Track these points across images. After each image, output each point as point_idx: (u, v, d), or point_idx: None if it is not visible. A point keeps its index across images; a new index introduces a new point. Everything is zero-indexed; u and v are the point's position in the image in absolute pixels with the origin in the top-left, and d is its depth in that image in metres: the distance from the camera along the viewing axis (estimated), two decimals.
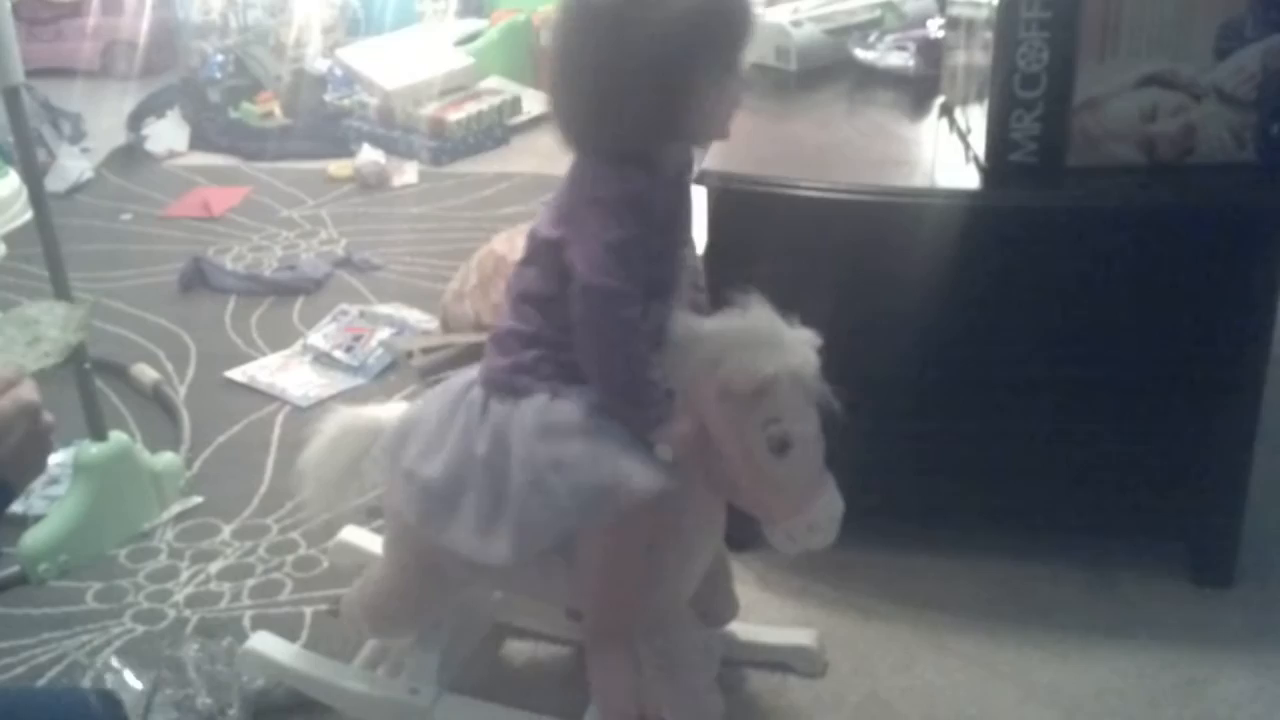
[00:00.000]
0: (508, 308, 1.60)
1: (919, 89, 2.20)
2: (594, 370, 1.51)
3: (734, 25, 1.49)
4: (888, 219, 1.86)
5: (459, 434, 1.56)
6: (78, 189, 3.72)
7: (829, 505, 1.54)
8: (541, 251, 1.55)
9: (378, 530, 1.94)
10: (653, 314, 1.52)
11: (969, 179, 1.87)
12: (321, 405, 2.55)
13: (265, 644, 1.82)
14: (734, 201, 1.89)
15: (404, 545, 1.68)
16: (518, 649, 1.92)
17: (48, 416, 1.19)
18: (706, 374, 1.48)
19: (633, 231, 1.47)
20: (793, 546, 1.56)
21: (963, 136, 1.96)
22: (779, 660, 1.87)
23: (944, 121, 2.07)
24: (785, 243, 1.87)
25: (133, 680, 1.76)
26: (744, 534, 1.86)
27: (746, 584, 1.99)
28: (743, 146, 2.07)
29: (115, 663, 1.80)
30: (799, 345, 1.50)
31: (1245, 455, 1.89)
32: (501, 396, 1.55)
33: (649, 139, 1.50)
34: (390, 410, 1.73)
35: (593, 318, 1.48)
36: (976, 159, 1.86)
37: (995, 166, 1.81)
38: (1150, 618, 1.94)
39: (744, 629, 1.86)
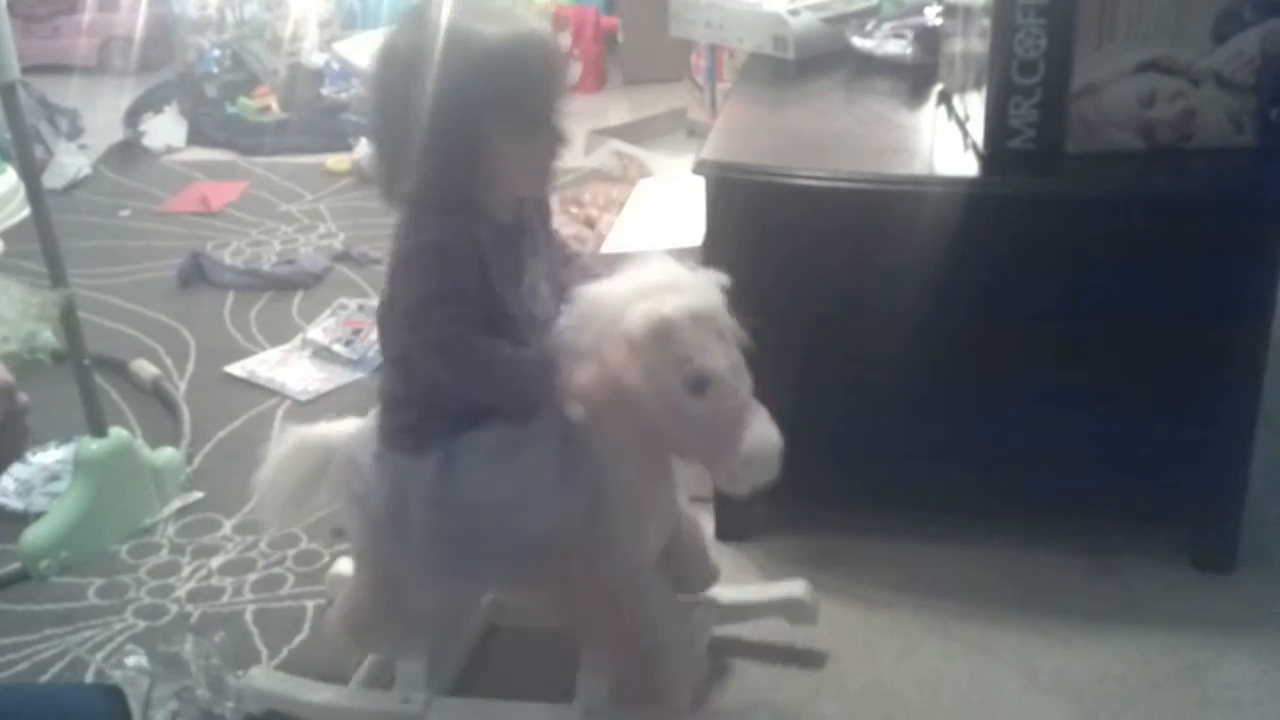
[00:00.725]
0: (385, 368, 1.63)
1: (917, 77, 2.19)
2: (476, 395, 1.53)
3: (531, 76, 1.48)
4: (887, 207, 1.86)
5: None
6: (75, 185, 3.71)
7: (762, 437, 1.51)
8: (383, 313, 1.58)
9: (345, 551, 1.95)
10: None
11: (968, 166, 1.86)
12: (322, 399, 2.55)
13: (263, 680, 1.82)
14: (732, 191, 1.89)
15: (367, 561, 1.70)
16: (505, 644, 1.91)
17: (23, 397, 1.19)
18: (612, 330, 1.48)
19: (443, 280, 1.47)
20: (737, 486, 1.54)
21: (961, 124, 1.96)
22: (770, 613, 1.87)
23: (942, 109, 2.07)
24: (784, 232, 1.87)
25: (136, 674, 1.76)
26: (744, 525, 1.88)
27: (748, 574, 1.99)
28: (740, 136, 2.08)
29: (127, 660, 1.81)
30: (698, 286, 1.50)
31: (1246, 440, 1.89)
32: (396, 450, 1.58)
33: (449, 189, 1.49)
34: (341, 428, 1.75)
35: (444, 368, 1.51)
36: (975, 146, 1.86)
37: (994, 153, 1.81)
38: (1152, 603, 1.94)
39: (728, 591, 1.85)
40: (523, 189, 1.56)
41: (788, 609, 1.87)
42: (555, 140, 1.52)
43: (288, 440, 1.74)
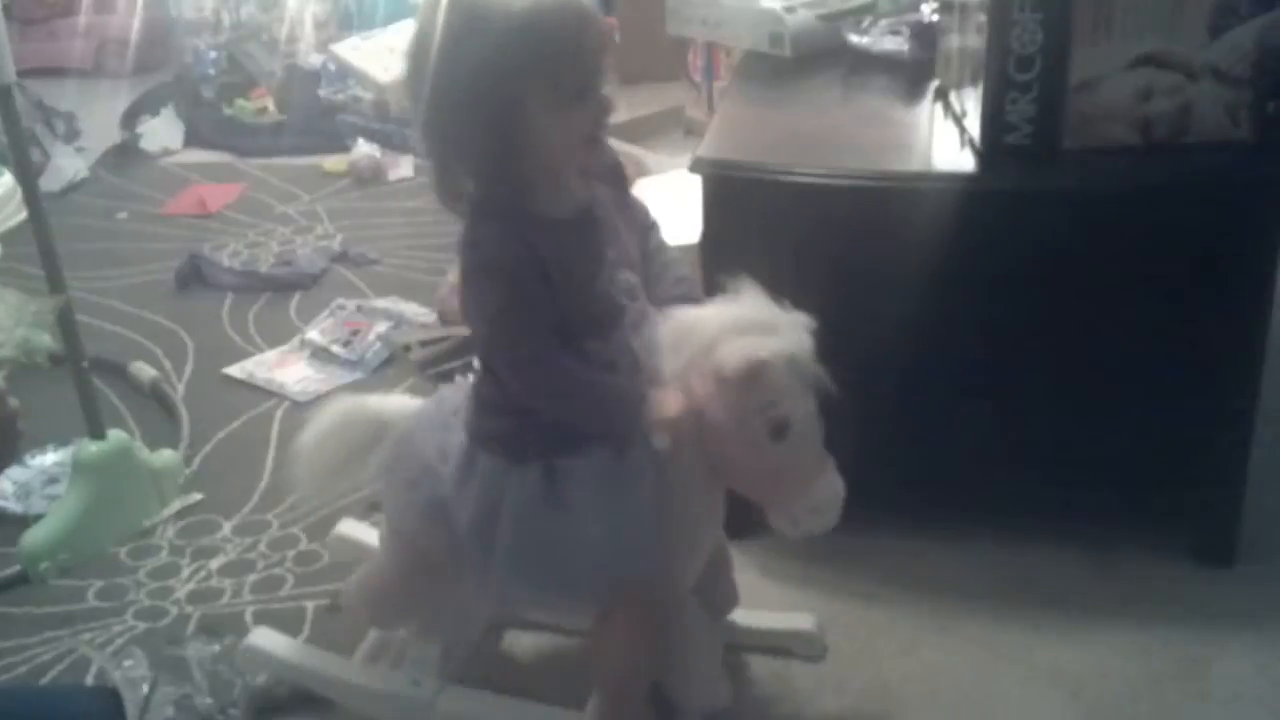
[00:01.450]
0: (483, 366, 1.59)
1: (914, 73, 2.20)
2: (563, 417, 1.51)
3: (565, 44, 1.39)
4: (884, 204, 1.86)
5: (450, 470, 1.57)
6: (73, 188, 3.71)
7: (830, 486, 1.55)
8: (467, 316, 1.54)
9: (376, 524, 1.94)
10: (595, 352, 1.50)
11: (965, 162, 1.86)
12: (320, 400, 2.55)
13: (266, 640, 1.82)
14: (729, 188, 1.89)
15: (403, 544, 1.68)
16: (520, 639, 1.92)
17: (14, 402, 1.19)
18: (702, 362, 1.48)
19: (505, 296, 1.44)
20: (796, 530, 1.57)
21: (958, 120, 1.96)
22: (780, 644, 1.87)
23: (939, 105, 2.07)
24: (781, 228, 1.87)
25: (136, 677, 1.76)
26: (744, 522, 1.87)
27: (748, 571, 1.99)
28: (738, 133, 2.07)
29: (126, 660, 1.80)
30: (792, 329, 1.50)
31: (1245, 434, 1.89)
32: (490, 452, 1.55)
33: (500, 186, 1.45)
34: (392, 403, 1.73)
35: (525, 388, 1.49)
36: (972, 142, 1.86)
37: (991, 149, 1.81)
38: (1152, 598, 1.94)
39: (744, 615, 1.86)
40: (572, 165, 1.49)
41: (796, 642, 1.87)
42: (600, 109, 1.45)
43: (336, 408, 1.70)
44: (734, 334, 1.48)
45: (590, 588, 1.55)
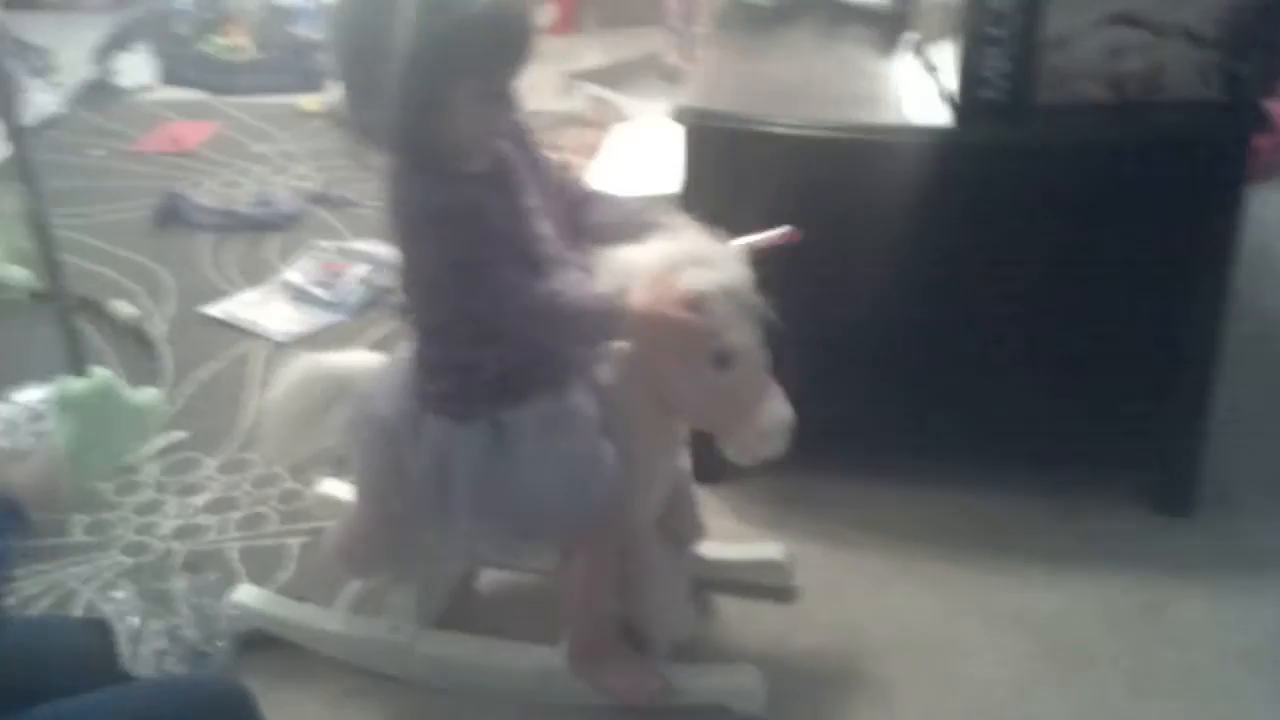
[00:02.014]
0: (416, 328, 1.60)
1: (892, 26, 2.21)
2: (552, 338, 1.54)
3: (503, 49, 1.43)
4: (860, 155, 1.89)
5: (406, 430, 1.60)
6: (47, 124, 3.68)
7: (776, 411, 1.58)
8: (408, 282, 1.55)
9: (349, 479, 1.98)
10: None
11: (940, 116, 1.89)
12: (301, 341, 2.57)
13: (248, 596, 1.86)
14: (710, 138, 1.91)
15: (374, 494, 1.72)
16: (494, 580, 1.96)
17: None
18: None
19: (465, 240, 1.46)
20: (747, 456, 1.61)
21: (934, 73, 1.98)
22: (749, 575, 1.92)
23: (916, 58, 2.09)
24: (759, 179, 1.89)
25: (125, 610, 1.79)
26: (716, 467, 1.91)
27: (722, 515, 2.03)
28: (719, 83, 2.09)
29: (115, 593, 1.83)
30: (730, 261, 1.54)
31: (1207, 386, 1.94)
32: (437, 413, 1.58)
33: (420, 147, 1.45)
34: (352, 360, 1.76)
35: (515, 318, 1.50)
36: (947, 96, 1.89)
37: (966, 103, 1.84)
38: (1112, 544, 2.00)
39: (712, 547, 1.91)
40: (474, 147, 1.51)
41: (765, 570, 1.92)
42: (509, 108, 1.51)
43: (298, 368, 1.73)
44: (672, 270, 1.51)
45: (547, 532, 1.60)
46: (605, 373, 1.59)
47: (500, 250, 1.48)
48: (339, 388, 1.71)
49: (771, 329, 1.55)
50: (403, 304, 1.60)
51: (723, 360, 1.54)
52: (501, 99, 1.48)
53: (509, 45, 1.44)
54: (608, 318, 1.50)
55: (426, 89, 1.41)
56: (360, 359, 1.78)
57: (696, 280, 1.50)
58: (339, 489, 2.03)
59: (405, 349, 1.66)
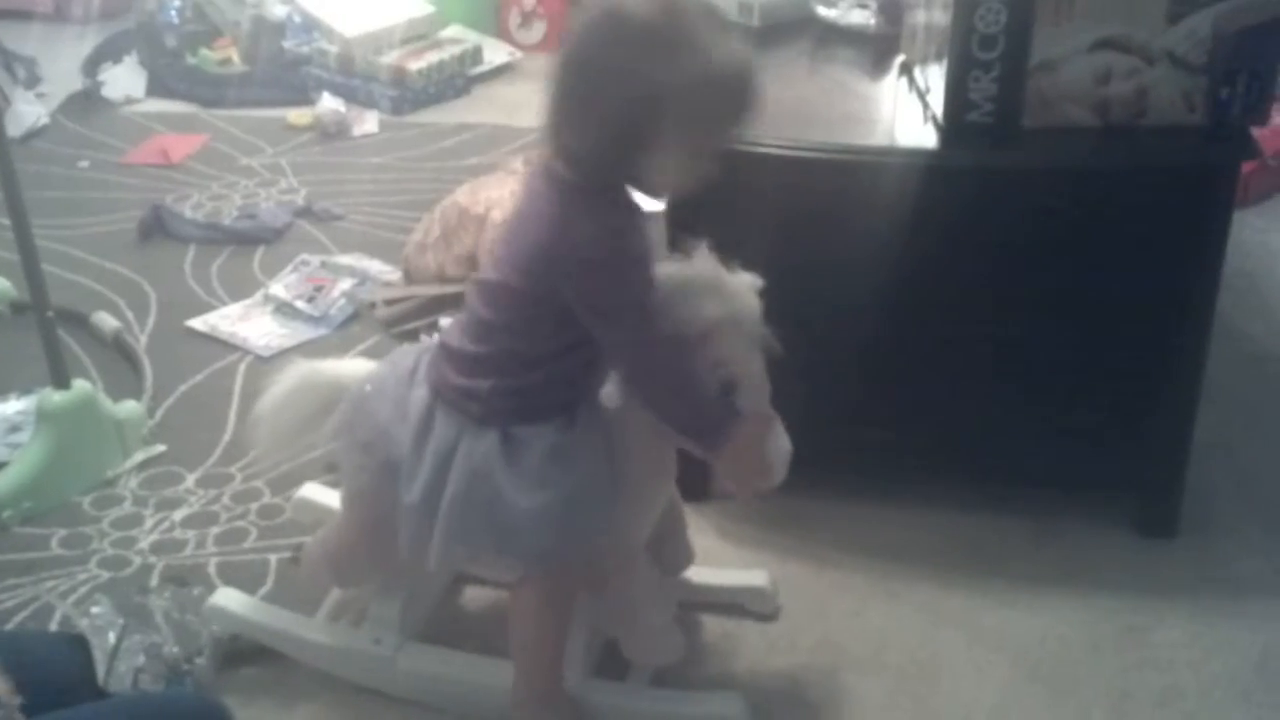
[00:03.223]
0: (466, 322, 1.59)
1: (880, 47, 2.22)
2: (654, 404, 1.55)
3: (740, 110, 1.45)
4: (847, 177, 1.89)
5: (409, 429, 1.58)
6: (33, 135, 3.67)
7: (776, 445, 1.58)
8: (509, 290, 1.52)
9: (336, 485, 1.97)
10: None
11: (927, 138, 1.90)
12: (284, 355, 2.56)
13: (229, 599, 1.85)
14: None
15: (361, 503, 1.71)
16: (477, 596, 1.95)
17: None
18: None
19: (643, 286, 1.48)
20: (746, 487, 1.61)
21: (922, 96, 1.99)
22: (733, 601, 1.91)
23: (904, 80, 2.09)
24: (745, 199, 1.89)
25: (103, 625, 1.77)
26: (701, 485, 1.91)
27: (704, 534, 2.03)
28: None
29: (93, 608, 1.82)
30: (741, 290, 1.55)
31: (1190, 409, 1.95)
32: (448, 412, 1.57)
33: (614, 171, 1.46)
34: (349, 367, 1.75)
35: (640, 373, 1.53)
36: (935, 118, 1.90)
37: (953, 126, 1.85)
38: (1094, 567, 2.00)
39: (698, 572, 1.90)
40: (654, 194, 1.53)
41: (749, 597, 1.91)
42: (710, 170, 1.49)
43: (294, 373, 1.72)
44: (683, 297, 1.51)
45: (522, 551, 1.57)
46: (609, 396, 1.58)
47: (653, 298, 1.49)
48: (334, 393, 1.69)
49: (786, 372, 1.56)
50: (480, 308, 1.56)
51: (728, 390, 1.54)
52: (713, 158, 1.47)
53: (741, 109, 1.45)
54: (714, 427, 1.53)
55: (646, 133, 1.41)
56: (356, 365, 1.77)
57: (709, 310, 1.50)
58: (320, 494, 2.02)
59: (402, 351, 1.66)
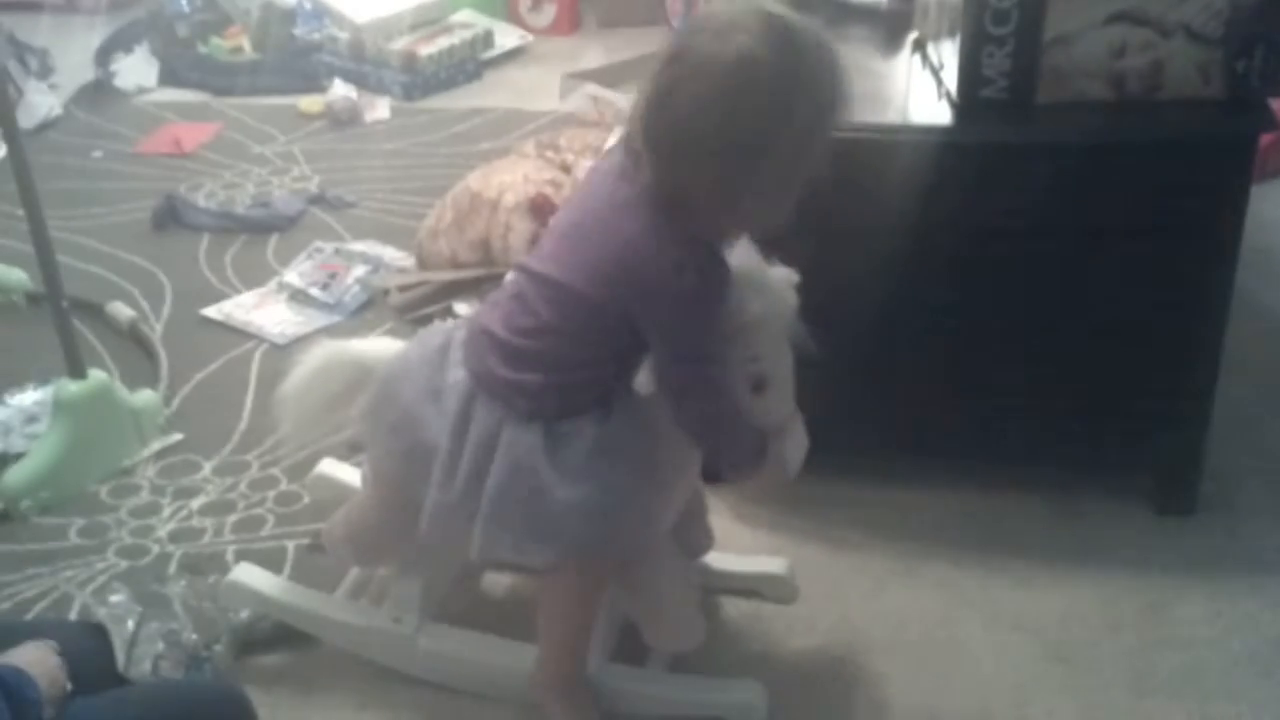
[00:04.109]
0: (514, 311, 1.55)
1: (892, 24, 2.20)
2: (703, 440, 1.58)
3: (821, 147, 1.44)
4: (861, 154, 1.87)
5: (445, 415, 1.56)
6: (46, 126, 3.68)
7: (797, 441, 1.59)
8: (574, 295, 1.49)
9: (358, 464, 1.97)
10: None
11: (941, 114, 1.88)
12: (299, 343, 2.55)
13: (249, 576, 1.85)
14: None
15: (384, 484, 1.71)
16: (498, 580, 1.95)
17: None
18: None
19: (716, 324, 1.48)
20: (765, 480, 1.62)
21: (935, 72, 1.97)
22: (752, 587, 1.91)
23: (917, 57, 2.08)
24: None
25: (122, 613, 1.78)
26: (713, 470, 1.91)
27: (721, 516, 2.02)
28: None
29: (111, 597, 1.83)
30: (780, 286, 1.53)
31: (1209, 387, 1.93)
32: (490, 401, 1.55)
33: (715, 212, 1.44)
34: (375, 346, 1.75)
35: (692, 411, 1.53)
36: (948, 94, 1.88)
37: (967, 102, 1.83)
38: (1114, 545, 1.99)
39: (718, 558, 1.90)
40: (735, 231, 1.51)
41: (767, 583, 1.91)
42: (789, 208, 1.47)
43: (319, 353, 1.72)
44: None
45: (559, 544, 1.56)
46: (642, 384, 1.57)
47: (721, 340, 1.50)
48: (360, 374, 1.68)
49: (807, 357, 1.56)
50: (538, 304, 1.53)
51: (758, 385, 1.54)
52: (795, 193, 1.46)
53: (823, 149, 1.45)
54: (746, 461, 1.56)
55: (755, 155, 1.40)
56: (382, 345, 1.76)
57: (750, 305, 1.49)
58: (338, 470, 2.02)
59: (428, 331, 1.65)
